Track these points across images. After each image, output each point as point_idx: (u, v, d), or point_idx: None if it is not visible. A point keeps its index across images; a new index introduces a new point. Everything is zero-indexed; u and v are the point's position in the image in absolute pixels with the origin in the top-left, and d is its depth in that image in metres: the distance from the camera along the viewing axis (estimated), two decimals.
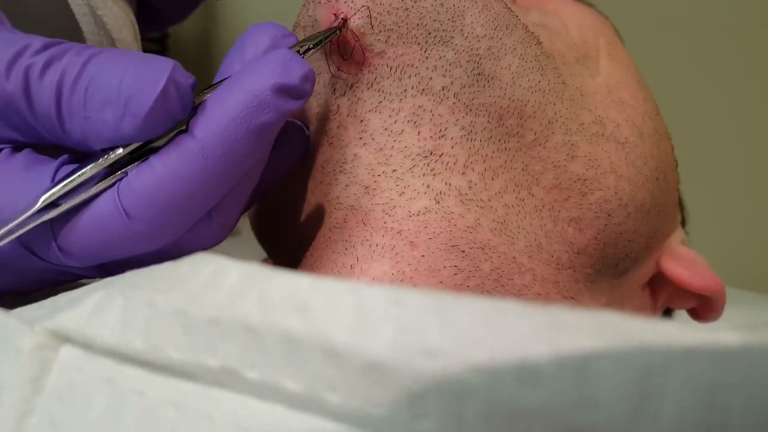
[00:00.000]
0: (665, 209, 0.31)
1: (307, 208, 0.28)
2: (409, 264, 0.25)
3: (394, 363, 0.15)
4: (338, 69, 0.27)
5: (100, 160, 0.22)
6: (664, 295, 0.32)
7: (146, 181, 0.22)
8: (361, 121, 0.26)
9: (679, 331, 0.15)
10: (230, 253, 0.20)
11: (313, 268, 0.27)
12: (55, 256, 0.23)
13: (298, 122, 0.28)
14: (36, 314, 0.20)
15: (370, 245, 0.26)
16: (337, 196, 0.27)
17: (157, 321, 0.18)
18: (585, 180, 0.27)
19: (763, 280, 0.57)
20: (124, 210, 0.22)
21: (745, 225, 0.60)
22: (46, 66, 0.22)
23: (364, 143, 0.26)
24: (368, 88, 0.26)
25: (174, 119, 0.22)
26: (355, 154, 0.26)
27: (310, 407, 0.16)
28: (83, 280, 0.25)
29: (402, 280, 0.25)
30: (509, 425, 0.14)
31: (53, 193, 0.22)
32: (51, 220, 0.22)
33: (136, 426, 0.17)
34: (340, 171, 0.27)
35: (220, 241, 0.25)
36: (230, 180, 0.23)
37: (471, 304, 0.16)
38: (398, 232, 0.25)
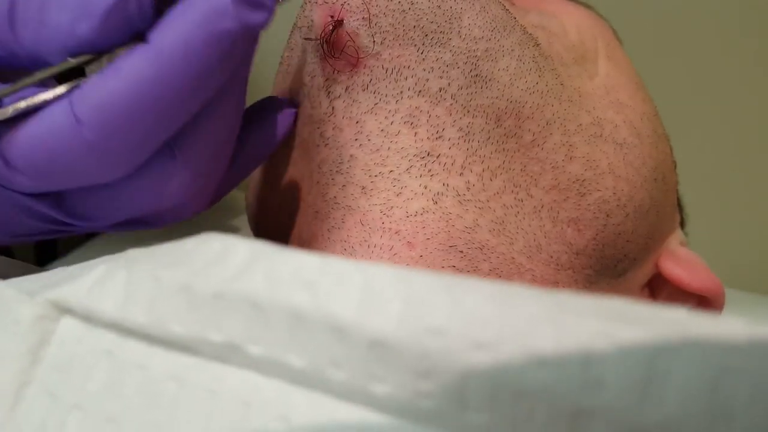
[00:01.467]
0: (664, 210, 0.31)
1: (305, 209, 0.28)
2: (407, 264, 0.25)
3: (399, 340, 0.15)
4: (333, 71, 0.27)
5: (54, 67, 0.21)
6: (663, 296, 0.32)
7: (100, 87, 0.21)
8: (357, 122, 0.26)
9: (686, 317, 0.15)
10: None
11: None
12: (3, 172, 0.22)
13: (281, 98, 0.28)
14: (35, 285, 0.20)
15: (369, 245, 0.26)
16: (335, 197, 0.27)
17: (161, 295, 0.18)
18: (583, 181, 0.27)
19: (762, 280, 0.57)
20: (75, 117, 0.21)
21: (745, 226, 0.60)
22: None
23: (360, 144, 0.26)
24: (363, 90, 0.26)
25: (131, 27, 0.21)
26: (351, 155, 0.26)
27: (314, 383, 0.16)
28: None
29: None
30: (513, 405, 0.14)
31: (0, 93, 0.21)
32: None
33: (136, 399, 0.17)
34: (336, 171, 0.27)
35: (192, 198, 0.24)
36: (189, 95, 0.22)
37: (478, 285, 0.16)
38: (396, 233, 0.25)
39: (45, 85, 0.22)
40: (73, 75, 0.22)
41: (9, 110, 0.21)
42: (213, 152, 0.24)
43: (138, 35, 0.21)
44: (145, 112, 0.21)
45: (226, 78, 0.23)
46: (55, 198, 0.24)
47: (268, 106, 0.28)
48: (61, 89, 0.21)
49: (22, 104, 0.21)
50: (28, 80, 0.21)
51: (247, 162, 0.27)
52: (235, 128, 0.25)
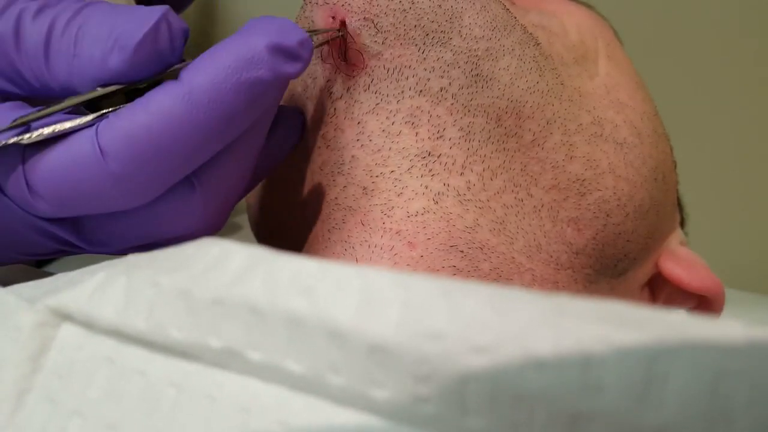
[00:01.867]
0: (664, 210, 0.31)
1: (306, 210, 0.28)
2: (408, 264, 0.25)
3: (398, 345, 0.15)
4: (335, 71, 0.27)
5: (83, 96, 0.21)
6: (663, 296, 0.32)
7: (127, 120, 0.21)
8: (359, 123, 0.26)
9: (685, 320, 0.15)
10: None
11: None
12: (23, 195, 0.22)
13: (288, 108, 0.28)
14: (35, 292, 0.20)
15: (369, 246, 0.26)
16: (336, 198, 0.27)
17: (160, 301, 0.18)
18: (583, 180, 0.27)
19: (762, 280, 0.57)
20: (100, 148, 0.21)
21: (745, 225, 0.60)
22: (41, 10, 0.22)
23: (362, 145, 0.26)
24: (365, 90, 0.26)
25: (162, 60, 0.22)
26: (352, 156, 0.26)
27: (313, 389, 0.16)
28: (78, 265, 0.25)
29: None
30: (513, 409, 0.14)
31: (28, 117, 0.21)
32: (23, 152, 0.22)
33: (136, 405, 0.17)
34: (338, 172, 0.27)
35: (207, 225, 0.24)
36: (215, 135, 0.22)
37: (477, 290, 0.16)
38: (397, 233, 0.25)
39: (73, 113, 0.22)
40: (101, 105, 0.22)
41: (33, 135, 0.21)
42: (231, 185, 0.25)
43: (171, 68, 0.22)
44: (170, 148, 0.21)
45: (254, 120, 0.23)
46: (73, 223, 0.24)
47: (280, 113, 0.28)
48: (87, 118, 0.21)
49: (47, 130, 0.21)
50: (57, 107, 0.21)
51: (260, 171, 0.27)
52: (254, 162, 0.25)
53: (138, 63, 0.21)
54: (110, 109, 0.22)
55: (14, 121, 0.21)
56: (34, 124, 0.21)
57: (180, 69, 0.22)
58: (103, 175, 0.21)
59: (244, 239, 0.33)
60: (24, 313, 0.19)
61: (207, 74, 0.22)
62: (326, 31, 0.26)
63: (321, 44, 0.26)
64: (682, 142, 0.36)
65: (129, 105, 0.21)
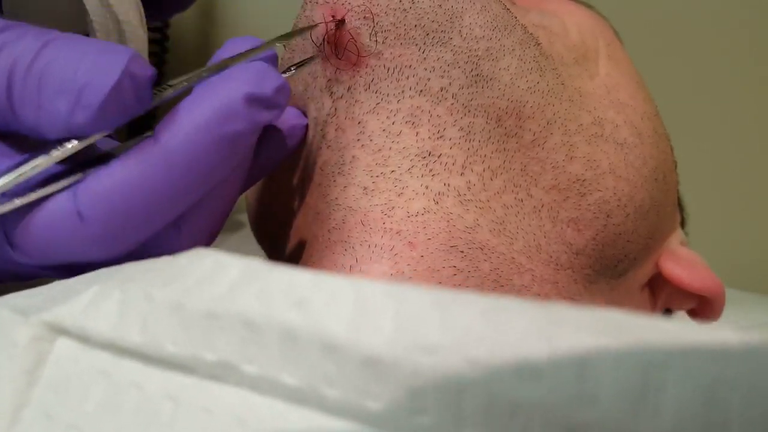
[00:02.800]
0: (664, 210, 0.31)
1: (306, 210, 0.28)
2: (408, 264, 0.25)
3: (392, 358, 0.15)
4: (335, 71, 0.27)
5: (53, 152, 0.21)
6: (663, 296, 0.32)
7: (103, 183, 0.21)
8: (359, 122, 0.26)
9: (679, 328, 0.15)
10: (233, 248, 0.20)
11: (312, 269, 0.27)
12: (8, 253, 0.22)
13: (291, 110, 0.28)
14: (28, 303, 0.20)
15: (369, 246, 0.25)
16: (336, 198, 0.27)
17: (154, 314, 0.18)
18: (584, 181, 0.27)
19: (763, 280, 0.57)
20: (79, 212, 0.21)
21: (745, 225, 0.60)
22: (0, 49, 0.21)
23: (362, 145, 0.26)
24: (365, 90, 0.26)
25: (129, 112, 0.21)
26: (353, 156, 0.26)
27: (308, 402, 0.16)
28: None
29: (401, 281, 0.25)
30: (508, 420, 0.14)
31: (4, 184, 0.21)
32: (2, 216, 0.22)
33: (132, 419, 0.17)
34: (338, 173, 0.27)
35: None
36: (195, 190, 0.22)
37: (471, 300, 0.16)
38: (397, 233, 0.25)
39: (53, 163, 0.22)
40: (75, 161, 0.22)
41: (14, 204, 0.21)
42: (217, 217, 0.25)
43: (143, 120, 0.22)
44: (150, 207, 0.21)
45: (233, 167, 0.23)
46: (61, 265, 0.24)
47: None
48: (64, 183, 0.21)
49: (26, 199, 0.21)
50: (29, 168, 0.21)
51: (257, 172, 0.27)
52: (238, 189, 0.25)
53: (104, 119, 0.21)
54: (89, 170, 0.22)
55: None
56: (9, 189, 0.21)
57: (156, 125, 0.22)
58: (83, 236, 0.21)
59: (246, 237, 0.33)
60: (19, 327, 0.19)
61: (183, 133, 0.21)
62: (308, 59, 0.26)
63: (304, 64, 0.26)
64: (683, 142, 0.36)
65: (107, 166, 0.21)
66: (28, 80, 0.21)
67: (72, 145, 0.21)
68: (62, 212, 0.21)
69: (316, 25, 0.27)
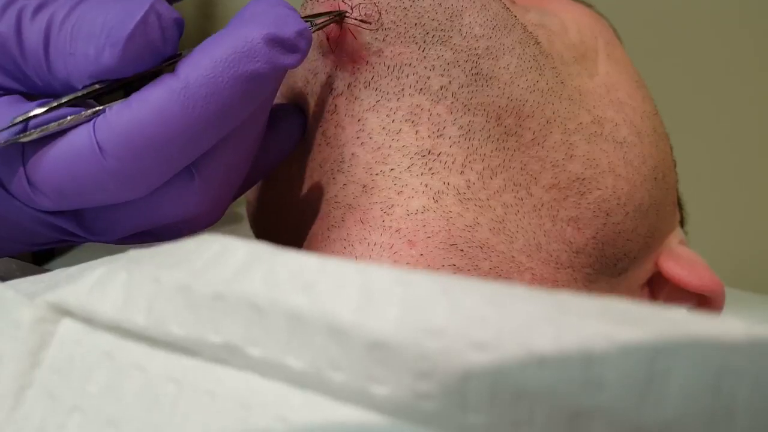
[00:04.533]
0: (664, 209, 0.31)
1: (305, 208, 0.28)
2: (407, 263, 0.25)
3: (398, 342, 0.15)
4: (336, 68, 0.27)
5: (78, 92, 0.22)
6: (663, 295, 0.32)
7: (123, 116, 0.21)
8: (359, 120, 0.26)
9: (686, 318, 0.15)
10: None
11: None
12: (26, 193, 0.22)
13: (295, 105, 0.28)
14: (34, 287, 0.20)
15: (368, 244, 0.26)
16: (335, 195, 0.27)
17: (160, 297, 0.18)
18: (583, 179, 0.27)
19: (762, 280, 0.57)
20: (98, 144, 0.21)
21: (745, 225, 0.60)
22: (39, 8, 0.22)
23: (362, 142, 0.26)
24: (365, 87, 0.26)
25: (155, 52, 0.22)
26: (352, 154, 0.26)
27: (313, 385, 0.16)
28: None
29: None
30: (513, 406, 0.14)
31: (26, 116, 0.21)
32: (23, 151, 0.22)
33: (136, 401, 0.17)
34: (337, 170, 0.27)
35: (206, 213, 0.24)
36: (212, 129, 0.22)
37: (477, 286, 0.16)
38: (396, 231, 0.25)
39: (74, 106, 0.22)
40: (101, 100, 0.22)
41: (34, 133, 0.21)
42: (231, 173, 0.25)
43: (167, 61, 0.22)
44: (167, 143, 0.21)
45: (251, 112, 0.23)
46: (74, 214, 0.24)
47: (282, 111, 0.28)
48: (84, 114, 0.22)
49: (45, 129, 0.21)
50: (53, 104, 0.21)
51: (262, 167, 0.27)
52: (253, 149, 0.25)
53: (130, 58, 0.21)
54: (107, 105, 0.22)
55: (13, 120, 0.21)
56: (32, 122, 0.21)
57: (176, 61, 0.22)
58: (101, 171, 0.21)
59: (245, 229, 0.33)
60: (23, 308, 0.19)
61: (203, 68, 0.21)
62: (327, 13, 0.26)
63: (320, 27, 0.26)
64: (682, 141, 0.36)
65: (125, 100, 0.21)
66: (62, 33, 0.21)
67: (95, 86, 0.22)
68: (81, 145, 0.21)
69: (336, 16, 0.26)
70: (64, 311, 0.19)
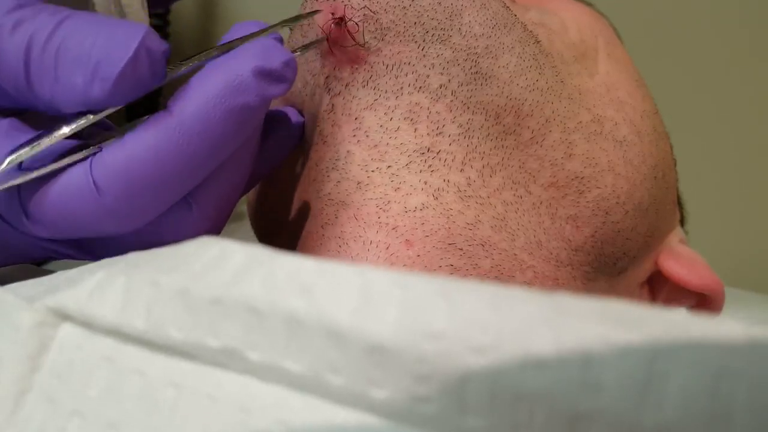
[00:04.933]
0: (664, 208, 0.31)
1: (300, 206, 0.28)
2: (404, 265, 0.25)
3: (397, 345, 0.15)
4: (334, 68, 0.27)
5: (68, 125, 0.22)
6: (662, 294, 0.32)
7: (119, 155, 0.22)
8: (356, 118, 0.26)
9: (685, 319, 0.15)
10: (234, 238, 0.20)
11: None
12: (24, 225, 0.23)
13: (289, 110, 0.28)
14: (33, 291, 0.20)
15: (364, 242, 0.25)
16: (329, 193, 0.27)
17: (159, 300, 0.18)
18: (582, 178, 0.27)
19: (762, 279, 0.57)
20: (94, 183, 0.22)
21: (745, 225, 0.60)
22: (17, 25, 0.21)
23: (358, 140, 0.26)
24: (363, 86, 0.26)
25: (144, 86, 0.22)
26: (348, 151, 0.26)
27: (312, 389, 0.16)
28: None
29: None
30: (512, 409, 0.14)
31: (20, 155, 0.21)
32: (19, 187, 0.22)
33: (135, 405, 0.17)
34: (332, 168, 0.27)
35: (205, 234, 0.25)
36: (207, 162, 0.22)
37: (476, 289, 0.16)
38: (393, 228, 0.25)
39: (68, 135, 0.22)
40: (90, 135, 0.22)
41: (31, 174, 0.21)
42: (227, 196, 0.25)
43: (155, 94, 0.22)
44: (163, 179, 0.22)
45: (243, 141, 0.23)
46: (71, 241, 0.24)
47: (280, 116, 0.28)
48: (80, 155, 0.22)
49: (43, 171, 0.22)
50: (47, 141, 0.22)
51: (260, 172, 0.28)
52: (248, 169, 0.25)
53: (120, 92, 0.21)
54: (102, 144, 0.22)
55: (8, 158, 0.21)
56: (28, 160, 0.22)
57: (169, 99, 0.22)
58: (98, 209, 0.22)
59: (247, 227, 0.33)
60: (23, 312, 0.19)
61: (196, 104, 0.22)
62: (311, 42, 0.27)
63: (308, 48, 0.26)
64: (682, 140, 0.36)
65: (121, 139, 0.22)
66: (45, 55, 0.21)
67: (86, 119, 0.22)
68: (78, 184, 0.22)
69: (317, 11, 0.27)
70: (63, 315, 0.19)
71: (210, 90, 0.22)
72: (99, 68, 0.21)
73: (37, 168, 0.22)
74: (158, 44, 0.22)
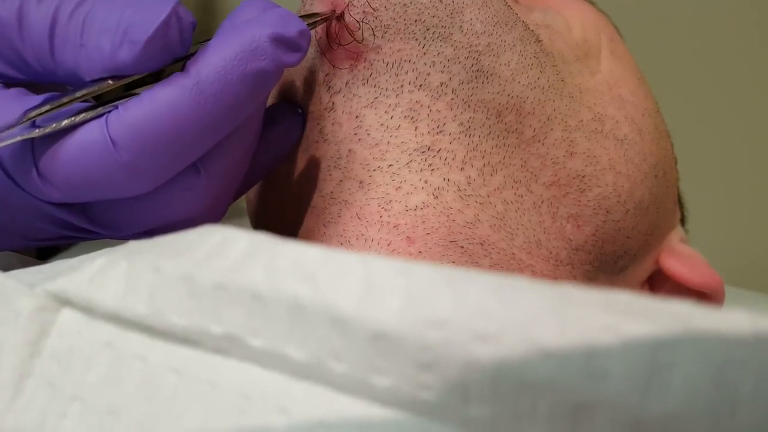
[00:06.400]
0: (664, 206, 0.31)
1: (302, 205, 0.28)
2: (405, 261, 0.25)
3: (400, 333, 0.15)
4: (334, 65, 0.27)
5: (93, 87, 0.22)
6: (663, 292, 0.32)
7: (137, 111, 0.22)
8: (357, 117, 0.26)
9: (690, 310, 0.15)
10: None
11: None
12: (36, 185, 0.23)
13: (289, 106, 0.28)
14: (34, 278, 0.20)
15: (366, 240, 0.25)
16: (331, 192, 0.27)
17: (161, 286, 0.18)
18: (583, 177, 0.27)
19: (762, 278, 0.57)
20: (110, 138, 0.22)
21: (745, 224, 0.60)
22: None
23: (359, 139, 0.26)
24: (363, 84, 0.26)
25: (172, 54, 0.22)
26: (349, 150, 0.26)
27: (314, 376, 0.16)
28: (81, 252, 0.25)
29: None
30: (516, 398, 0.14)
31: (39, 111, 0.21)
32: (32, 143, 0.22)
33: (136, 391, 0.17)
34: (334, 167, 0.27)
35: (210, 209, 0.25)
36: (222, 124, 0.23)
37: (481, 278, 0.16)
38: (395, 227, 0.25)
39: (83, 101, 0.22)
40: (105, 94, 0.22)
41: (47, 129, 0.21)
42: (234, 168, 0.25)
43: (177, 60, 0.23)
44: (177, 138, 0.22)
45: (255, 107, 0.24)
46: (81, 208, 0.24)
47: (280, 110, 0.28)
48: (97, 111, 0.22)
49: (59, 124, 0.22)
50: (66, 100, 0.22)
51: (262, 167, 0.28)
52: (252, 147, 0.26)
53: (148, 57, 0.22)
54: (118, 102, 0.22)
55: (25, 115, 0.22)
56: (43, 117, 0.22)
57: (183, 62, 0.23)
58: (113, 165, 0.22)
59: (247, 224, 0.33)
60: (23, 297, 0.19)
61: (214, 66, 0.22)
62: (323, 16, 0.27)
63: (314, 27, 0.26)
64: (683, 138, 0.36)
65: (138, 97, 0.22)
66: (71, 23, 0.22)
67: (107, 84, 0.22)
68: (93, 139, 0.22)
69: (316, 14, 0.27)
70: (64, 301, 0.19)
71: (227, 53, 0.22)
72: (129, 32, 0.21)
73: (51, 125, 0.22)
74: (188, 14, 0.22)
